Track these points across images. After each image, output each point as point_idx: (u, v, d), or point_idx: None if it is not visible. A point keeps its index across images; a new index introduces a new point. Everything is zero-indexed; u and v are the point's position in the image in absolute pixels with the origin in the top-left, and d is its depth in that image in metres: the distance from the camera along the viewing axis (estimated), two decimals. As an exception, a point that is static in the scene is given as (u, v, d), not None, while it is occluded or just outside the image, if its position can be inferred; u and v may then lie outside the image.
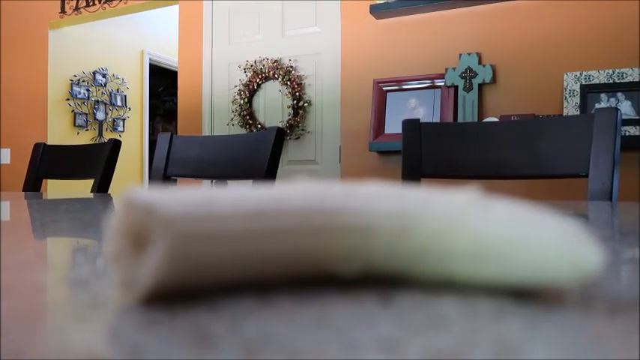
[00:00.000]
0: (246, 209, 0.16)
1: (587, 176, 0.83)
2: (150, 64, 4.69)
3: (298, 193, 0.17)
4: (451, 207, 0.17)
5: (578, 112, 1.94)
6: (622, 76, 1.90)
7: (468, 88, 2.13)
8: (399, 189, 0.18)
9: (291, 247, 0.17)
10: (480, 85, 2.13)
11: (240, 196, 0.17)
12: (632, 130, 1.86)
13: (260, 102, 2.71)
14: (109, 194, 1.15)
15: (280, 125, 2.59)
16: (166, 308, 0.15)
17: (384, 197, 0.17)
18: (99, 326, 0.14)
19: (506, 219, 0.16)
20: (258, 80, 2.68)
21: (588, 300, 0.16)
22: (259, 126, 2.66)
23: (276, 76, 2.62)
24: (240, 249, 0.16)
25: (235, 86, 2.74)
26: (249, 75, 2.70)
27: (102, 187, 1.34)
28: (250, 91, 2.69)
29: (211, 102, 2.83)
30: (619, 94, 1.91)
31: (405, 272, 0.17)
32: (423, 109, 2.22)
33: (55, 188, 3.26)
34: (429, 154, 0.99)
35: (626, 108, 1.89)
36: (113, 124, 4.26)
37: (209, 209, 0.16)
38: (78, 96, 3.92)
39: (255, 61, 2.69)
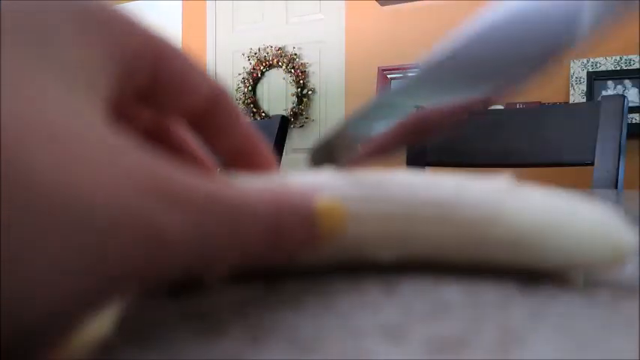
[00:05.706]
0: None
1: (592, 164, 0.83)
2: (153, 52, 4.68)
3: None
4: (488, 194, 0.17)
5: (585, 100, 1.93)
6: (629, 63, 1.88)
7: (473, 76, 2.11)
8: (433, 177, 0.18)
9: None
10: (486, 73, 2.11)
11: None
12: (638, 118, 1.85)
13: (264, 90, 2.70)
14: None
15: (284, 113, 2.58)
16: (174, 295, 0.15)
17: (422, 185, 0.18)
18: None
19: (543, 204, 0.17)
20: (262, 68, 2.66)
21: (592, 287, 0.16)
22: (263, 114, 2.65)
23: (280, 64, 2.61)
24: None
25: (239, 74, 2.73)
26: (253, 63, 2.68)
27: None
28: (254, 79, 2.68)
29: (215, 90, 2.82)
30: (626, 82, 1.89)
31: (443, 259, 0.18)
32: (428, 96, 2.21)
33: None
34: (433, 141, 0.98)
35: (632, 95, 1.87)
36: (117, 113, 4.27)
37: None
38: (82, 84, 3.92)
39: (259, 49, 2.67)
